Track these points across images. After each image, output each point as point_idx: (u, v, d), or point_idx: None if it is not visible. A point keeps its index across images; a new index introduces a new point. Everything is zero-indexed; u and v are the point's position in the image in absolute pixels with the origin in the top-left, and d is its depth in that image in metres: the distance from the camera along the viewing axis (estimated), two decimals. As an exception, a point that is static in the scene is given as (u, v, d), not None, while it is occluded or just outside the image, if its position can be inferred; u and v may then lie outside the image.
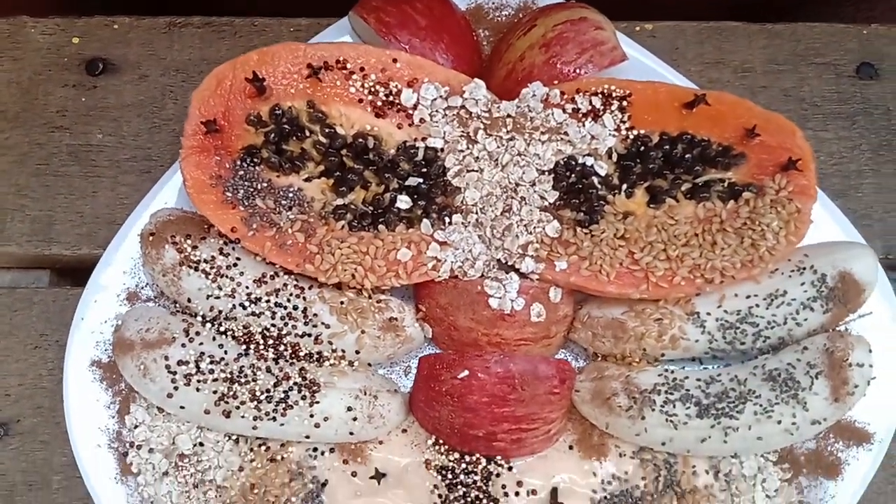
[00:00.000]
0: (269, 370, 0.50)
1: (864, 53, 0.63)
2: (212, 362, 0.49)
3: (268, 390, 0.49)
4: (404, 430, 0.53)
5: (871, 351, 0.50)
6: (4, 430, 0.55)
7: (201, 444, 0.52)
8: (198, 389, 0.49)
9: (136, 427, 0.52)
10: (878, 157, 0.61)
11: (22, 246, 0.58)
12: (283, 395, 0.49)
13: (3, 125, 0.60)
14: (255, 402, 0.49)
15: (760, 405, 0.49)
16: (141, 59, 0.61)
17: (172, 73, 0.61)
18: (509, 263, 0.51)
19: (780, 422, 0.49)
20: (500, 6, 0.59)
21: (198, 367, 0.49)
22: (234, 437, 0.52)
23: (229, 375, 0.49)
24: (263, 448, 0.52)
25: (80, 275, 0.55)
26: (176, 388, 0.49)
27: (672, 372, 0.52)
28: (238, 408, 0.49)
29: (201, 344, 0.50)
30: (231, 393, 0.49)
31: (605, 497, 0.52)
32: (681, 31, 0.62)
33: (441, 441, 0.52)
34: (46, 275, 0.60)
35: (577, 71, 0.53)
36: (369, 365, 0.53)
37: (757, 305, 0.51)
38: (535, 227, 0.50)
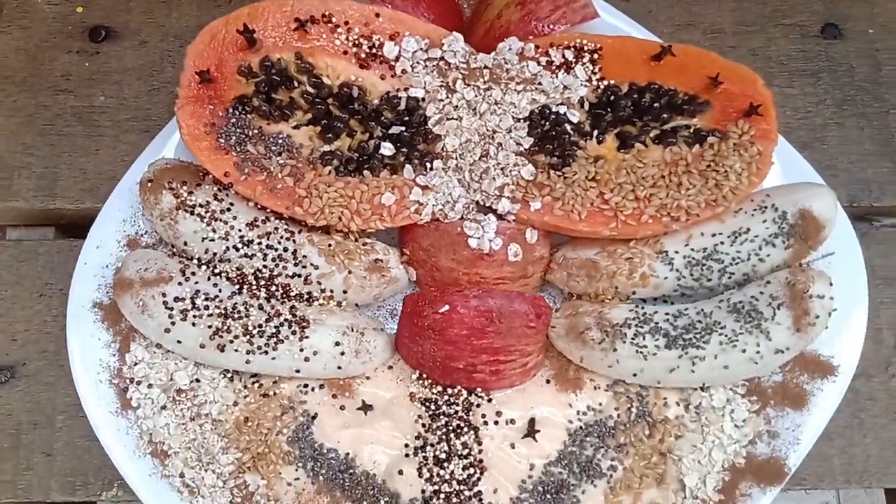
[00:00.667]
0: (261, 307, 0.53)
1: (829, 15, 0.66)
2: (207, 299, 0.52)
3: (260, 325, 0.52)
4: (390, 367, 0.56)
5: (832, 284, 0.52)
6: (11, 373, 0.58)
7: (197, 381, 0.55)
8: (193, 324, 0.52)
9: (135, 364, 0.55)
10: (842, 111, 0.64)
11: (28, 201, 0.61)
12: (274, 330, 0.52)
13: (11, 89, 0.63)
14: (248, 337, 0.52)
15: (725, 335, 0.52)
16: (141, 27, 0.65)
17: (171, 40, 0.64)
18: (487, 205, 0.54)
19: (744, 351, 0.52)
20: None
21: (193, 303, 0.52)
22: (228, 375, 0.55)
23: (223, 311, 0.52)
24: (256, 385, 0.55)
25: (83, 231, 0.58)
26: (173, 324, 0.52)
27: (642, 307, 0.55)
28: (232, 342, 0.52)
29: (197, 283, 0.53)
30: (225, 328, 0.52)
31: (581, 427, 0.55)
32: (650, -3, 0.66)
33: (425, 376, 0.55)
34: (51, 232, 0.63)
35: (551, 27, 0.57)
36: (356, 306, 0.56)
37: (722, 243, 0.54)
38: (511, 171, 0.53)
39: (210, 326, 0.52)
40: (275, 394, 0.55)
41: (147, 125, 0.62)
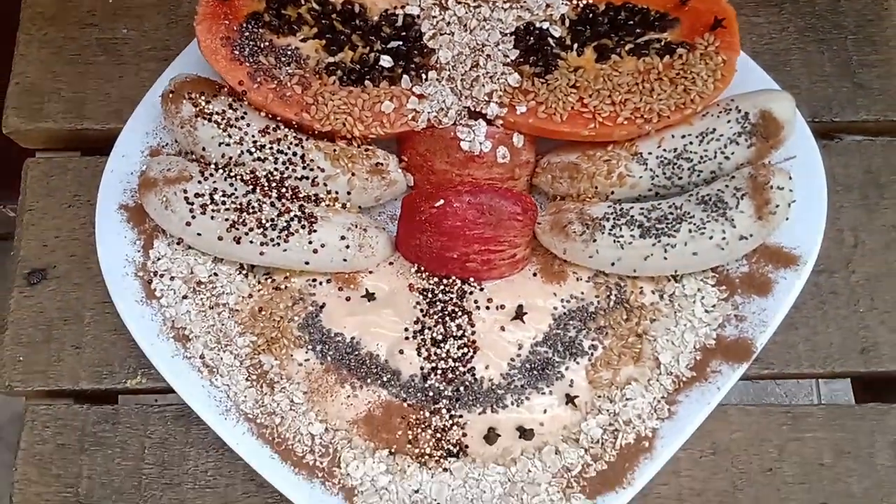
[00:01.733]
0: (272, 204, 0.58)
1: None
2: (224, 196, 0.57)
3: (272, 219, 0.58)
4: (391, 263, 0.61)
5: (791, 178, 0.58)
6: (42, 275, 0.64)
7: (216, 275, 0.60)
8: (212, 217, 0.57)
9: (158, 259, 0.60)
10: (804, 37, 0.69)
11: (58, 122, 0.67)
12: (285, 224, 0.58)
13: (42, 24, 0.69)
14: (262, 230, 0.57)
15: (694, 224, 0.57)
16: (161, -35, 0.71)
17: None
18: (477, 110, 0.59)
19: (711, 237, 0.57)
20: None
21: (212, 198, 0.57)
22: (244, 271, 0.61)
23: (239, 206, 0.57)
24: (269, 280, 0.60)
25: (108, 152, 0.64)
26: (193, 217, 0.57)
27: (620, 204, 0.60)
28: (247, 234, 0.57)
29: (215, 182, 0.58)
30: (241, 220, 0.57)
31: (564, 313, 0.60)
32: (630, -64, 0.72)
33: (422, 268, 0.60)
34: (78, 155, 0.69)
35: (535, -47, 0.62)
36: (360, 209, 0.62)
37: (691, 143, 0.59)
38: (498, 79, 0.59)
39: (227, 220, 0.57)
40: (286, 287, 0.60)
41: (166, 54, 0.68)
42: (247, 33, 0.58)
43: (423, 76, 0.59)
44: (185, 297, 0.59)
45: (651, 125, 0.58)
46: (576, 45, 0.60)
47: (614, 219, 0.58)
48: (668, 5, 0.60)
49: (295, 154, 0.59)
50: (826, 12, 0.70)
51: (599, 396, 0.58)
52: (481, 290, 0.60)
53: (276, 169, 0.59)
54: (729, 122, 0.59)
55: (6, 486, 0.61)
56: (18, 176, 1.23)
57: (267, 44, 0.58)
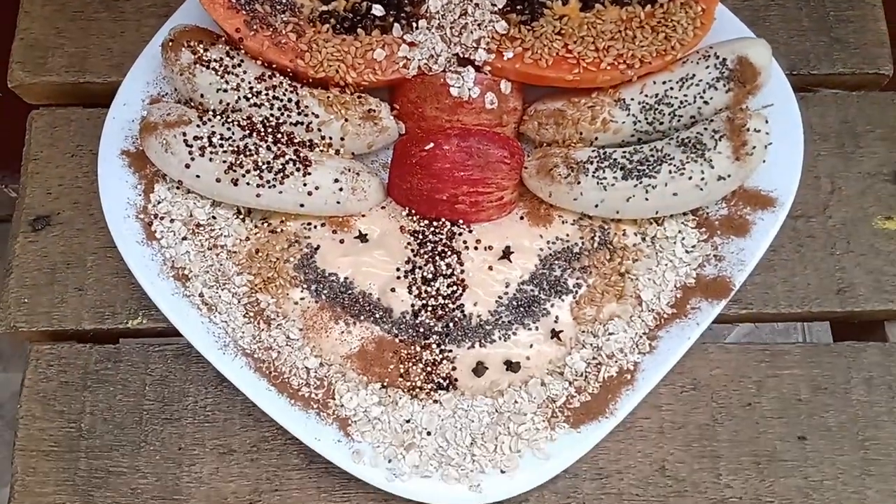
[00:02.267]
0: (268, 148, 0.60)
1: None
2: (222, 139, 0.60)
3: (268, 162, 0.60)
4: (382, 207, 0.64)
5: (767, 122, 0.60)
6: (46, 221, 0.66)
7: (214, 217, 0.62)
8: (210, 160, 0.59)
9: (159, 203, 0.62)
10: (783, -7, 0.72)
11: (61, 76, 0.69)
12: (281, 167, 0.60)
13: (44, -19, 0.72)
14: (258, 172, 0.60)
15: (674, 165, 0.60)
16: (160, -75, 0.73)
17: None
18: (466, 57, 0.61)
19: (690, 178, 0.59)
20: None
21: (210, 141, 0.59)
22: (241, 215, 0.63)
23: (236, 149, 0.60)
24: (265, 224, 0.63)
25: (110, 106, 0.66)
26: (192, 159, 0.59)
27: (603, 148, 0.62)
28: (244, 176, 0.59)
29: (213, 126, 0.60)
30: (238, 163, 0.59)
31: (550, 253, 0.62)
32: None
33: (413, 212, 0.63)
34: (80, 108, 0.71)
35: None
36: (353, 155, 0.64)
37: (671, 88, 0.61)
38: (486, 26, 0.61)
39: (225, 161, 0.59)
40: (282, 230, 0.63)
41: (166, 10, 0.70)
42: (243, -18, 0.61)
43: (414, 24, 0.61)
44: (184, 238, 0.61)
45: (633, 71, 0.61)
46: (561, -5, 0.62)
47: (598, 162, 0.61)
48: (649, -43, 0.63)
49: (290, 100, 0.61)
50: (805, -30, 0.72)
51: (583, 332, 0.60)
52: (470, 231, 0.62)
53: (271, 115, 0.61)
54: (707, 68, 0.61)
55: (7, 462, 0.62)
56: (18, 156, 1.26)
57: (263, -8, 0.61)
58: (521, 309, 0.61)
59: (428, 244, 0.61)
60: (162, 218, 0.62)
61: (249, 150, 0.60)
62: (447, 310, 0.60)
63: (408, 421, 0.58)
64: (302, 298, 0.61)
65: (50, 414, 0.62)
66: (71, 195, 0.66)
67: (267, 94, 0.61)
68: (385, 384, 0.59)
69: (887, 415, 0.62)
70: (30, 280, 0.65)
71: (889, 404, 0.63)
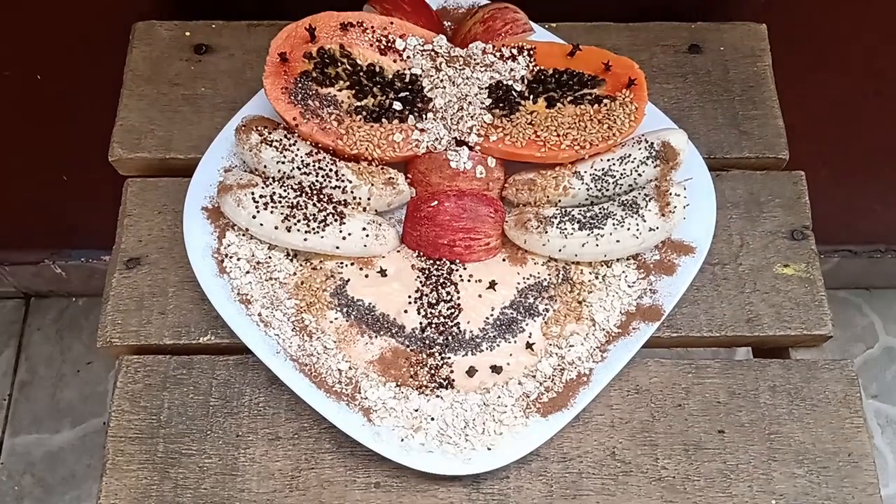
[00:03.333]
0: (314, 205, 0.80)
1: (693, 39, 0.95)
2: (280, 197, 0.79)
3: (313, 215, 0.79)
4: (398, 251, 0.83)
5: (685, 188, 0.81)
6: (137, 261, 0.84)
7: (270, 257, 0.81)
8: (271, 212, 0.79)
9: (229, 246, 0.81)
10: (702, 98, 0.93)
11: (151, 153, 0.89)
12: (323, 218, 0.79)
13: (140, 83, 0.92)
14: (306, 222, 0.79)
15: (616, 219, 0.79)
16: (230, 45, 0.94)
17: (250, 53, 0.93)
18: (461, 139, 0.82)
19: (629, 229, 0.79)
20: (457, 6, 0.93)
21: (271, 199, 0.79)
22: (289, 256, 0.82)
23: (290, 205, 0.79)
24: (308, 263, 0.82)
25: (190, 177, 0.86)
26: (258, 212, 0.79)
27: (564, 207, 0.82)
28: (295, 225, 0.78)
29: (273, 188, 0.80)
30: (291, 215, 0.79)
31: (525, 286, 0.81)
32: (574, 28, 0.96)
33: (421, 254, 0.82)
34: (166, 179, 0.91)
35: (503, 35, 0.87)
36: (376, 211, 0.84)
37: (614, 164, 0.82)
38: (477, 118, 0.82)
39: (282, 214, 0.79)
40: (320, 268, 0.82)
41: (234, 106, 0.90)
42: (299, 85, 0.82)
43: (424, 116, 0.83)
44: (247, 272, 0.80)
45: (585, 151, 0.81)
46: (532, 97, 0.84)
47: (560, 217, 0.81)
48: (597, 70, 0.85)
49: (331, 170, 0.81)
50: (718, 81, 0.94)
51: (550, 345, 0.78)
52: (465, 268, 0.81)
53: (316, 180, 0.81)
54: (640, 149, 0.82)
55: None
56: (71, 232, 1.48)
57: (313, 92, 0.82)
58: (503, 327, 0.79)
59: (432, 277, 0.81)
60: (231, 257, 0.81)
61: (300, 206, 0.80)
62: (447, 327, 0.79)
63: (416, 410, 0.76)
64: (336, 318, 0.79)
65: (136, 408, 0.79)
66: (157, 242, 0.85)
67: (314, 166, 0.81)
68: (399, 383, 0.77)
69: (787, 415, 0.80)
70: (122, 306, 0.83)
71: (789, 406, 0.80)
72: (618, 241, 0.79)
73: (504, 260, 0.82)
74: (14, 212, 1.47)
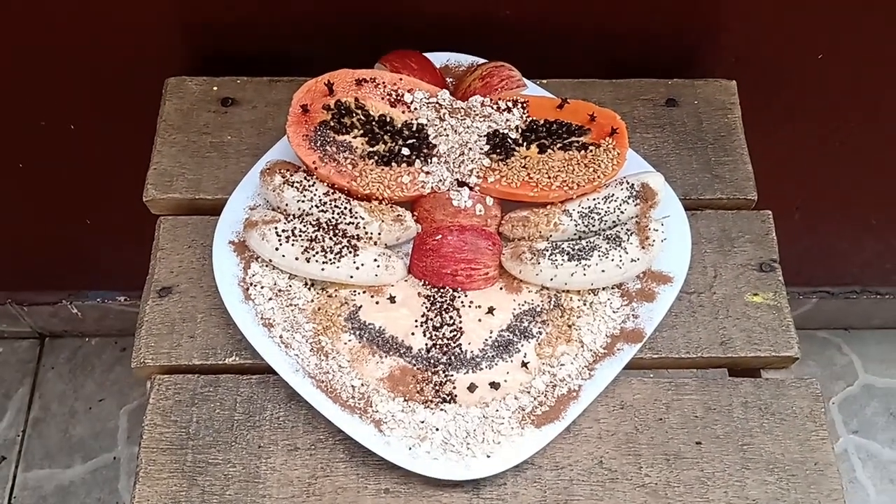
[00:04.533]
0: (331, 239, 0.90)
1: (670, 94, 1.05)
2: (300, 232, 0.88)
3: (330, 248, 0.88)
4: (406, 280, 0.92)
5: (663, 225, 0.90)
6: (168, 290, 0.93)
7: (290, 286, 0.89)
8: (292, 245, 0.87)
9: (254, 275, 0.89)
10: (679, 146, 1.02)
11: (181, 193, 0.98)
12: (338, 251, 0.88)
13: (172, 132, 1.01)
14: (323, 254, 0.88)
15: (601, 251, 0.88)
16: (253, 98, 1.04)
17: (271, 105, 1.03)
18: (463, 181, 0.92)
19: (612, 260, 0.88)
20: (458, 65, 1.04)
21: (293, 233, 0.88)
22: (307, 285, 0.91)
23: (309, 238, 0.88)
24: (324, 291, 0.91)
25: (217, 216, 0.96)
26: (280, 244, 0.87)
27: (555, 241, 0.92)
28: (314, 256, 0.88)
29: (294, 224, 0.89)
30: (310, 247, 0.87)
31: (521, 311, 0.89)
32: (562, 83, 1.06)
33: (426, 282, 0.91)
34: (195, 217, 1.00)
35: (499, 90, 0.98)
36: (386, 245, 0.93)
37: (599, 203, 0.91)
38: (476, 161, 0.91)
39: (302, 246, 0.87)
40: (335, 295, 0.90)
41: (257, 152, 0.99)
42: (318, 133, 0.92)
43: (429, 160, 0.92)
44: (270, 299, 0.89)
45: (573, 192, 0.91)
46: (525, 144, 0.94)
47: (552, 250, 0.90)
48: (583, 121, 0.95)
49: (346, 208, 0.90)
50: (693, 131, 1.04)
51: (543, 364, 0.87)
52: (466, 296, 0.90)
53: (332, 217, 0.90)
54: (622, 190, 0.92)
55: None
56: (89, 272, 1.58)
57: (331, 139, 0.92)
58: (501, 348, 0.88)
59: (437, 303, 0.89)
60: (255, 285, 0.90)
61: (318, 240, 0.89)
62: (450, 347, 0.87)
63: (422, 422, 0.84)
64: (350, 340, 0.88)
65: (167, 422, 0.87)
66: (187, 273, 0.94)
67: (330, 204, 0.90)
68: (406, 398, 0.85)
69: (758, 428, 0.87)
70: (155, 331, 0.91)
71: (760, 420, 0.88)
72: (603, 271, 0.88)
73: (501, 288, 0.91)
74: (36, 254, 1.56)
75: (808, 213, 1.45)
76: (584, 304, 0.90)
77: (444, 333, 0.87)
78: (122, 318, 1.74)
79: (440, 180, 0.86)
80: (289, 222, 0.88)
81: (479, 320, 0.88)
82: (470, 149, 0.87)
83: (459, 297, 0.89)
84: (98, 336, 1.85)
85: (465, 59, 1.04)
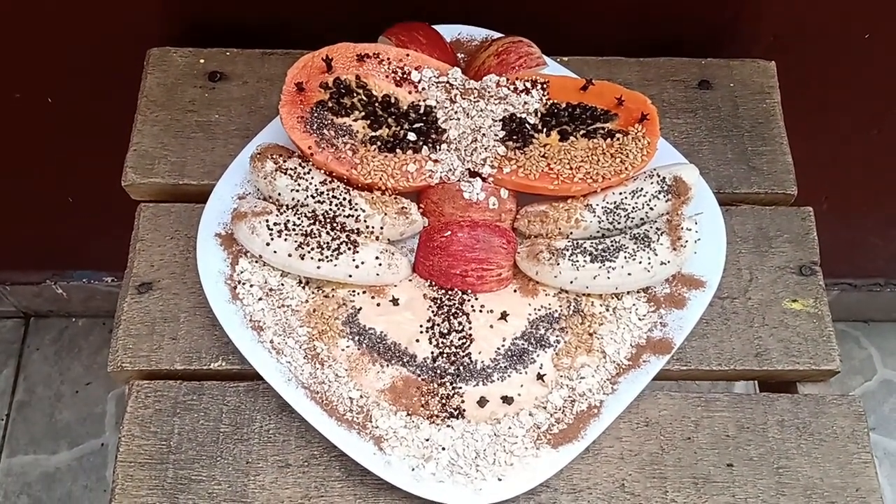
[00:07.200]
0: (328, 233, 0.81)
1: (703, 75, 0.97)
2: (294, 225, 0.80)
3: (327, 243, 0.80)
4: (410, 280, 0.83)
5: (696, 223, 0.81)
6: (149, 286, 0.85)
7: (282, 284, 0.81)
8: (285, 240, 0.79)
9: (242, 272, 0.81)
10: (712, 134, 0.94)
11: (164, 178, 0.89)
12: (336, 247, 0.80)
13: (154, 108, 0.93)
14: (319, 250, 0.79)
15: (628, 252, 0.80)
16: (244, 72, 0.95)
17: (263, 81, 0.95)
18: (475, 171, 0.83)
19: (640, 262, 0.80)
20: (471, 39, 0.95)
21: (285, 227, 0.80)
22: (301, 283, 0.83)
23: (304, 233, 0.80)
24: (320, 290, 0.82)
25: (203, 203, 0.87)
26: (272, 238, 0.79)
27: (576, 240, 0.83)
28: (309, 253, 0.79)
29: (287, 216, 0.80)
30: (305, 243, 0.79)
31: (537, 317, 0.81)
32: (585, 62, 0.98)
33: (433, 283, 0.82)
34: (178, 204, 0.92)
35: (516, 69, 0.89)
36: (389, 241, 0.84)
37: (626, 198, 0.83)
38: (490, 149, 0.83)
39: (295, 242, 0.79)
40: (333, 295, 0.82)
41: (247, 133, 0.91)
42: (315, 114, 0.83)
43: (438, 147, 0.83)
44: (260, 299, 0.80)
45: (597, 184, 0.82)
46: (545, 130, 0.85)
47: (572, 249, 0.81)
48: (609, 105, 0.86)
49: (344, 199, 0.82)
50: (728, 116, 0.95)
51: (561, 376, 0.79)
52: (476, 299, 0.82)
53: (330, 209, 0.81)
54: (652, 183, 0.83)
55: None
56: (73, 253, 1.48)
57: (329, 122, 0.83)
58: (514, 358, 0.79)
59: (444, 307, 0.81)
60: (244, 283, 0.81)
61: (314, 234, 0.80)
62: (458, 357, 0.79)
63: (427, 440, 0.76)
64: (347, 346, 0.80)
65: (146, 434, 0.79)
66: (169, 268, 0.86)
67: (328, 194, 0.82)
68: (410, 412, 0.77)
69: (795, 449, 0.80)
70: (134, 331, 0.83)
71: (797, 441, 0.80)
72: (629, 274, 0.80)
73: (515, 291, 0.83)
74: (17, 232, 1.47)
75: (836, 203, 1.37)
76: (607, 310, 0.81)
77: (451, 341, 0.79)
78: (109, 300, 1.65)
79: (450, 169, 0.77)
80: (281, 214, 0.80)
81: (491, 326, 0.80)
82: (483, 135, 0.78)
83: (469, 300, 0.81)
84: (85, 317, 1.77)
85: (479, 33, 0.94)
